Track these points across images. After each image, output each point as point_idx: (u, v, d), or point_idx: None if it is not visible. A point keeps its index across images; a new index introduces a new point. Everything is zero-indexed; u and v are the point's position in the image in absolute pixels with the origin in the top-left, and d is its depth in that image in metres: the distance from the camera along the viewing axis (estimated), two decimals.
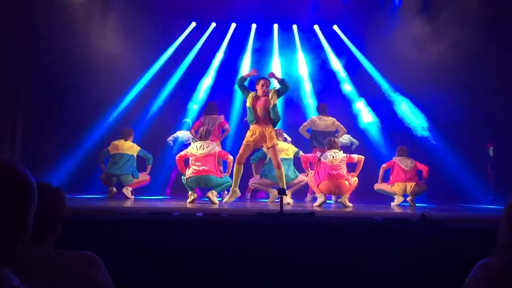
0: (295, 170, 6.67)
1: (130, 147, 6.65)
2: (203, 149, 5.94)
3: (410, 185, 6.52)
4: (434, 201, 7.05)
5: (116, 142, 6.68)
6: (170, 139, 7.59)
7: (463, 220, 4.50)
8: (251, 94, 5.87)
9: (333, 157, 5.96)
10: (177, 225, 3.67)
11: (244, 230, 3.60)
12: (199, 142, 6.08)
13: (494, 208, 6.30)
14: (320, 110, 7.61)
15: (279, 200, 4.24)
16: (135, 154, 6.68)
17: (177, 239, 3.45)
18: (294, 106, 8.86)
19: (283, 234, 3.57)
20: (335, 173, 5.85)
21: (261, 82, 5.85)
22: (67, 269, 1.51)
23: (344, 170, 5.95)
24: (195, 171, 5.84)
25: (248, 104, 5.85)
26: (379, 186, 6.82)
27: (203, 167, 5.84)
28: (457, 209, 6.35)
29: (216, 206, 5.53)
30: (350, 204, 5.85)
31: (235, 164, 5.83)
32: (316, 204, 5.99)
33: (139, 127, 7.77)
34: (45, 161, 7.37)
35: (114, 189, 6.48)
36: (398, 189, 6.58)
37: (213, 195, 5.80)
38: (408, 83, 8.15)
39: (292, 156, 6.63)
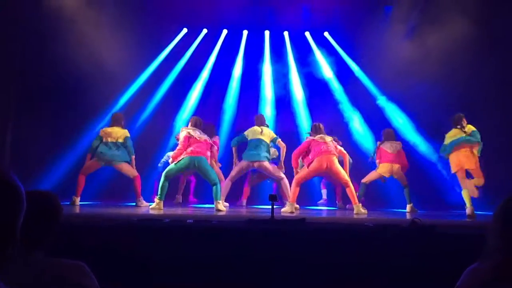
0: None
1: (122, 134, 6.55)
2: (200, 134, 6.10)
3: (397, 166, 6.72)
4: (423, 206, 7.11)
5: (109, 130, 6.55)
6: (163, 161, 7.44)
7: (452, 225, 4.54)
8: None
9: (321, 139, 6.17)
10: (168, 231, 3.65)
11: (235, 236, 3.59)
12: (196, 129, 6.17)
13: (481, 214, 6.35)
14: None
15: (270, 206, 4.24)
16: (124, 143, 6.56)
17: (167, 245, 3.43)
18: (285, 111, 8.91)
19: (274, 240, 3.57)
20: (327, 149, 6.05)
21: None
22: (56, 277, 1.50)
23: (334, 150, 6.16)
24: (189, 152, 5.93)
25: None
26: (365, 179, 6.94)
27: (198, 150, 5.96)
28: (446, 214, 6.40)
29: (224, 213, 5.54)
30: (365, 211, 5.96)
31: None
32: (283, 209, 6.00)
33: (130, 134, 7.76)
34: (36, 165, 7.31)
35: (77, 201, 6.30)
36: (384, 169, 6.75)
37: (219, 204, 5.83)
38: (397, 88, 8.23)
39: (269, 142, 6.78)
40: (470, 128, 6.22)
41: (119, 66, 7.81)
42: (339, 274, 3.37)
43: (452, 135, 6.28)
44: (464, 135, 6.17)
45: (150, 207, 5.86)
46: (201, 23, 9.08)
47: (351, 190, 6.06)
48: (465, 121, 6.31)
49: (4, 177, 0.98)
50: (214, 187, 5.93)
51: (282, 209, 6.02)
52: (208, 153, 6.13)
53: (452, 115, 7.13)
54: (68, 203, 6.14)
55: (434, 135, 8.13)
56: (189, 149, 5.97)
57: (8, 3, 7.09)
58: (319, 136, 6.25)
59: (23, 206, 1.01)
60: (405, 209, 6.80)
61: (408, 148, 7.84)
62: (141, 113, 8.51)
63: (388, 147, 6.85)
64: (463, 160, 6.05)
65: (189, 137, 6.04)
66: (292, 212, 5.84)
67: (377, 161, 6.94)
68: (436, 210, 6.98)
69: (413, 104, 8.19)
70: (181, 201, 7.33)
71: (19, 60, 7.47)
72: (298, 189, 6.12)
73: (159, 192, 5.89)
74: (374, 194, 7.50)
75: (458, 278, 1.67)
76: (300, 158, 6.36)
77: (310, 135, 6.42)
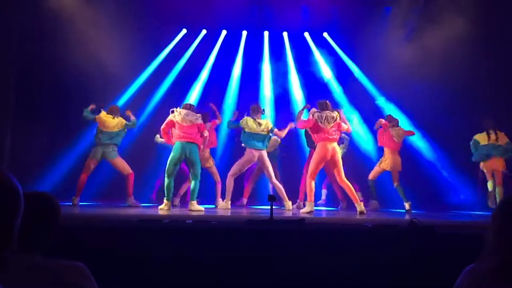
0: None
1: (116, 124, 6.71)
2: (187, 116, 6.03)
3: (398, 158, 6.86)
4: (422, 207, 7.12)
5: (104, 118, 6.68)
6: (158, 137, 7.51)
7: (451, 226, 4.54)
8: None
9: (327, 121, 6.09)
10: (167, 232, 3.65)
11: (234, 237, 3.59)
12: (183, 110, 6.14)
13: (481, 214, 6.36)
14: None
15: (270, 206, 4.24)
16: (122, 129, 6.76)
17: (166, 246, 3.43)
18: (284, 111, 8.93)
19: (273, 241, 3.57)
20: (330, 137, 6.07)
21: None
22: (54, 279, 1.50)
23: (337, 137, 6.19)
24: (180, 136, 5.96)
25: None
26: (371, 176, 7.01)
27: (190, 136, 5.99)
28: (445, 215, 6.41)
29: (203, 213, 5.55)
30: (365, 210, 5.97)
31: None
32: (303, 210, 5.99)
33: (128, 133, 7.76)
34: (35, 166, 7.30)
35: (77, 200, 6.39)
36: (387, 162, 6.84)
37: (193, 205, 5.83)
38: (396, 88, 8.24)
39: (267, 133, 6.71)
40: (504, 138, 6.49)
41: (118, 67, 7.82)
42: (338, 275, 3.37)
43: (480, 139, 6.63)
44: (490, 142, 6.48)
45: (159, 207, 5.90)
46: (200, 24, 9.08)
47: (349, 186, 6.03)
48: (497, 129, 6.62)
49: (2, 177, 0.98)
50: (193, 183, 5.98)
51: (302, 210, 6.09)
52: (197, 139, 6.08)
53: (451, 115, 7.18)
54: (68, 203, 6.14)
55: (434, 135, 8.15)
56: (180, 133, 5.97)
57: (7, 3, 7.09)
58: (324, 115, 6.12)
59: (21, 207, 1.01)
60: (404, 208, 6.79)
61: (407, 148, 7.85)
62: (141, 114, 8.51)
63: (395, 136, 6.84)
64: (495, 164, 6.50)
65: (172, 121, 6.06)
66: (311, 211, 5.91)
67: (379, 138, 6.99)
68: (435, 210, 6.98)
69: (412, 104, 8.19)
70: (177, 203, 7.32)
71: (18, 60, 7.47)
72: (313, 183, 6.14)
73: (166, 193, 5.92)
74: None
75: (456, 279, 1.67)
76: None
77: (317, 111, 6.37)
